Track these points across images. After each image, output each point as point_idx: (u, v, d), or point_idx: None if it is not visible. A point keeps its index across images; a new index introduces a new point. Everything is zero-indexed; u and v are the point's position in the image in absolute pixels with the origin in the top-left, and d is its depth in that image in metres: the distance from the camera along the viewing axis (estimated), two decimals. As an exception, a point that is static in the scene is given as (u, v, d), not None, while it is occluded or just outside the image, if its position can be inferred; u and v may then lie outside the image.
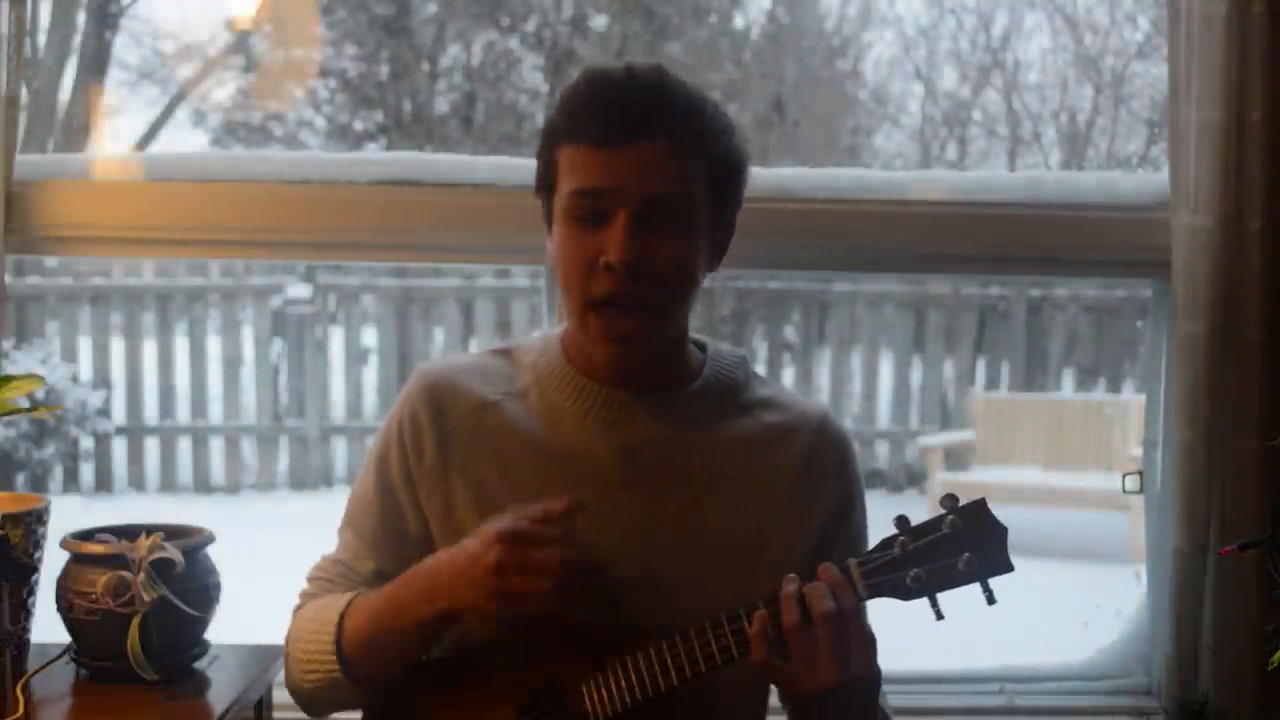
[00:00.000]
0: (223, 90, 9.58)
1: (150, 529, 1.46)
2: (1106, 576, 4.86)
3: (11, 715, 1.37)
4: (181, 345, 7.06)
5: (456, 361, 1.46)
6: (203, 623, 1.49)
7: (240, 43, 8.84)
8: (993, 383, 7.50)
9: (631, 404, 1.38)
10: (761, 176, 1.90)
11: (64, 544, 1.47)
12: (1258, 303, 1.76)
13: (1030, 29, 9.70)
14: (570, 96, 1.33)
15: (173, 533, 1.49)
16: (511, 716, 1.31)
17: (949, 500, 1.22)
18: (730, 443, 1.39)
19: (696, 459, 1.38)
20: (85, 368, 6.96)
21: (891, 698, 1.93)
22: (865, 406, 7.38)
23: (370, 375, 7.35)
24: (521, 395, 1.41)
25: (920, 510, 1.25)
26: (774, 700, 1.38)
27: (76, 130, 8.05)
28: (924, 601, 1.22)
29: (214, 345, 7.11)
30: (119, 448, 7.00)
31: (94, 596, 1.42)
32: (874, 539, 1.27)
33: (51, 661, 1.48)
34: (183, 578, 1.44)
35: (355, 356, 7.25)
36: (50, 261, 6.74)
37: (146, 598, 1.41)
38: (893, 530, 1.24)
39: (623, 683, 1.27)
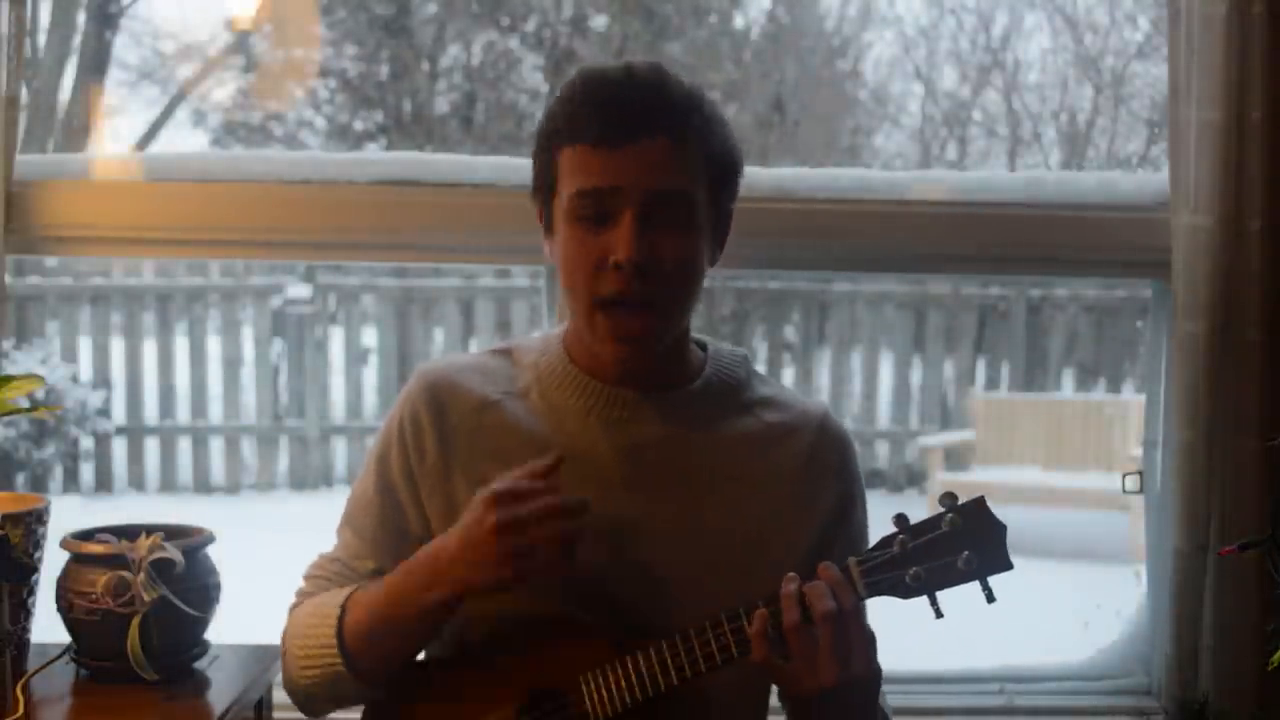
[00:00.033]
0: (223, 90, 9.60)
1: (150, 529, 1.46)
2: (1106, 576, 4.87)
3: (11, 715, 1.37)
4: (181, 345, 7.06)
5: (457, 361, 1.46)
6: (203, 623, 1.49)
7: (240, 43, 8.85)
8: (993, 383, 7.51)
9: (634, 403, 1.38)
10: (761, 176, 1.90)
11: (64, 544, 1.47)
12: (1258, 303, 1.76)
13: (1030, 29, 9.71)
14: (568, 97, 1.33)
15: (173, 533, 1.49)
16: (511, 716, 1.31)
17: (948, 499, 1.22)
18: (731, 442, 1.39)
19: (698, 458, 1.38)
20: (85, 368, 6.96)
21: (891, 698, 1.93)
22: (865, 406, 7.38)
23: (370, 375, 7.35)
24: (522, 394, 1.41)
25: (920, 510, 1.25)
26: (774, 700, 1.38)
27: (76, 130, 8.05)
28: (924, 600, 1.22)
29: (214, 345, 7.11)
30: (119, 448, 7.00)
31: (94, 596, 1.42)
32: (874, 538, 1.27)
33: (51, 661, 1.48)
34: (183, 578, 1.44)
35: (355, 356, 7.26)
36: (50, 261, 6.75)
37: (146, 598, 1.41)
38: (892, 529, 1.24)
39: (623, 682, 1.27)
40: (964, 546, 1.21)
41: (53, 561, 1.49)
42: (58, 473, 6.79)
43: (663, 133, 1.29)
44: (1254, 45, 1.74)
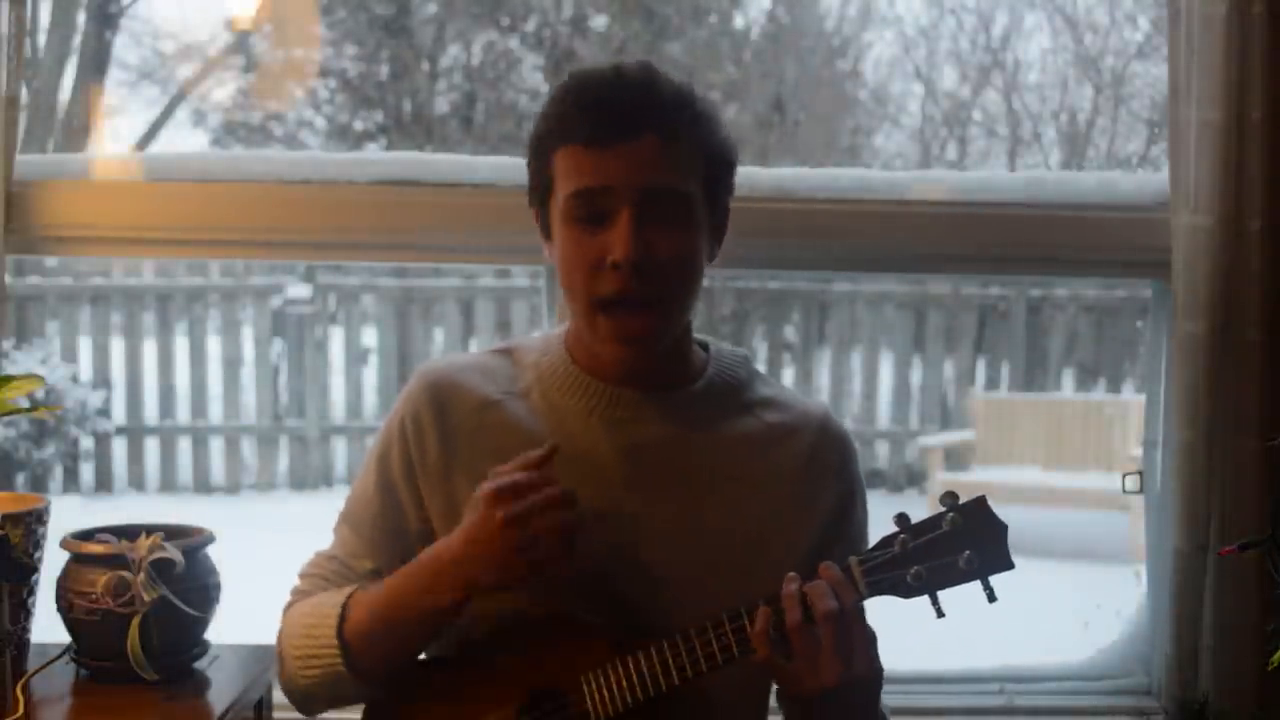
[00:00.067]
0: (223, 90, 9.60)
1: (150, 529, 1.46)
2: (1106, 576, 4.87)
3: (11, 715, 1.37)
4: (181, 345, 7.07)
5: (458, 361, 1.46)
6: (203, 623, 1.49)
7: (240, 43, 8.85)
8: (993, 383, 7.51)
9: (636, 403, 1.38)
10: (761, 176, 1.90)
11: (64, 544, 1.46)
12: (1258, 303, 1.76)
13: (1030, 29, 9.71)
14: (559, 100, 1.34)
15: (173, 533, 1.49)
16: (512, 716, 1.31)
17: (949, 498, 1.22)
18: (732, 442, 1.39)
19: (699, 458, 1.38)
20: (85, 368, 6.96)
21: (891, 698, 1.92)
22: (865, 406, 7.38)
23: (370, 375, 7.35)
24: (524, 394, 1.41)
25: (920, 510, 1.25)
26: (773, 700, 1.38)
27: (76, 130, 8.05)
28: (924, 600, 1.22)
29: (214, 345, 7.11)
30: (119, 448, 7.00)
31: (94, 596, 1.42)
32: (874, 538, 1.27)
33: (51, 661, 1.48)
34: (183, 578, 1.44)
35: (355, 356, 7.26)
36: (50, 261, 6.75)
37: (146, 598, 1.41)
38: (893, 529, 1.24)
39: (624, 682, 1.27)
40: (965, 546, 1.21)
41: (53, 561, 1.49)
42: (58, 473, 6.79)
43: (654, 130, 1.29)
44: (1254, 45, 1.74)
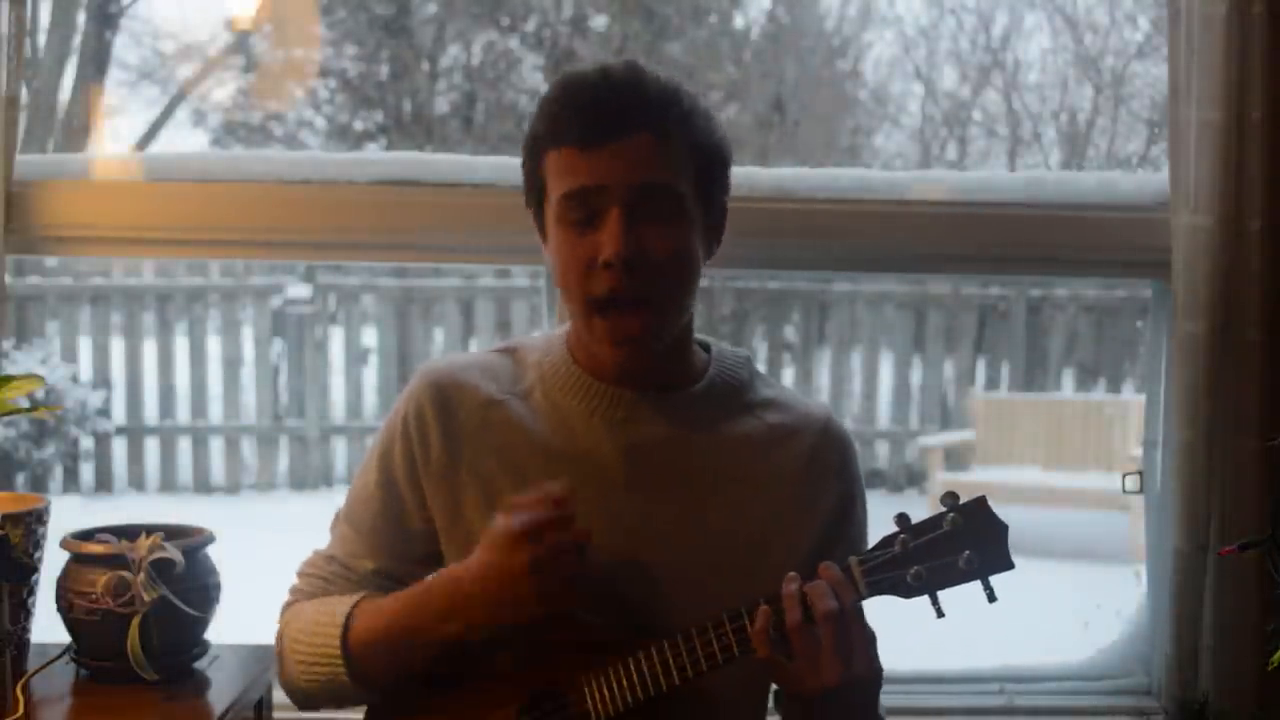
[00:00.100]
0: (223, 90, 9.60)
1: (150, 529, 1.46)
2: (1106, 576, 4.87)
3: (11, 715, 1.37)
4: (181, 345, 7.07)
5: (461, 360, 1.46)
6: (203, 623, 1.49)
7: (240, 43, 8.85)
8: (993, 383, 7.51)
9: (637, 403, 1.38)
10: (761, 176, 1.90)
11: (64, 544, 1.46)
12: (1258, 303, 1.76)
13: (1030, 29, 9.70)
14: (549, 102, 1.34)
15: (173, 533, 1.49)
16: (512, 716, 1.31)
17: (949, 498, 1.22)
18: (734, 443, 1.39)
19: (700, 459, 1.38)
20: (85, 368, 6.96)
21: (891, 698, 1.92)
22: (865, 406, 7.38)
23: (370, 375, 7.35)
24: (526, 394, 1.41)
25: (920, 510, 1.25)
26: (771, 700, 1.38)
27: (76, 130, 8.05)
28: (924, 600, 1.22)
29: (214, 345, 7.11)
30: (119, 448, 7.00)
31: (94, 596, 1.42)
32: (874, 539, 1.27)
33: (51, 661, 1.48)
34: (183, 578, 1.44)
35: (355, 356, 7.26)
36: (50, 261, 6.75)
37: (146, 598, 1.40)
38: (893, 529, 1.24)
39: (624, 682, 1.27)
40: (965, 546, 1.21)
41: (53, 561, 1.49)
42: (58, 473, 6.79)
43: (643, 128, 1.30)
44: (1254, 45, 1.74)
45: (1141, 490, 1.99)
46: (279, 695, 1.57)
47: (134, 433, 7.01)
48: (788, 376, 7.50)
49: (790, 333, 7.91)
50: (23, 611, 1.47)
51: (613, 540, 1.34)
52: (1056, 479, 6.46)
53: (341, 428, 7.20)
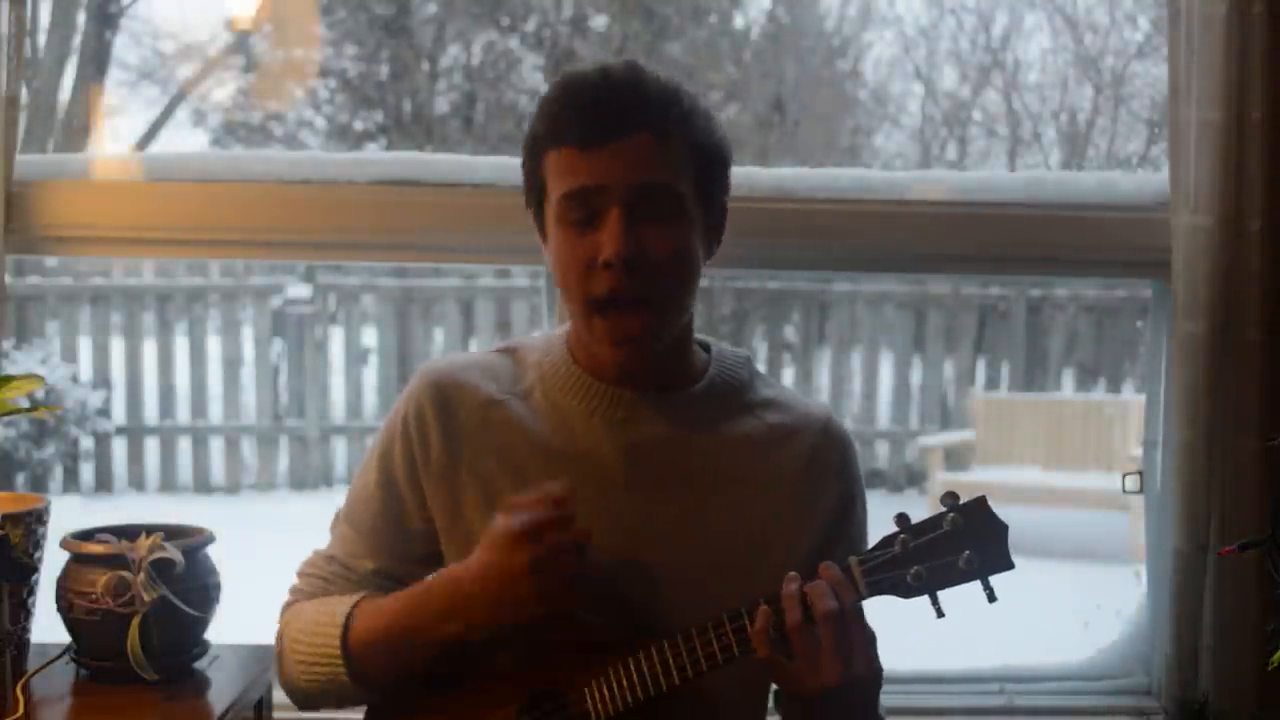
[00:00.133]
0: (223, 90, 9.60)
1: (150, 529, 1.46)
2: (1106, 576, 4.87)
3: (11, 715, 1.37)
4: (181, 345, 7.07)
5: (461, 360, 1.46)
6: (203, 623, 1.49)
7: (240, 43, 8.85)
8: (993, 383, 7.51)
9: (637, 403, 1.38)
10: (761, 176, 1.90)
11: (64, 544, 1.46)
12: (1258, 303, 1.76)
13: (1030, 29, 9.70)
14: (548, 102, 1.34)
15: (173, 533, 1.49)
16: (512, 716, 1.31)
17: (949, 498, 1.22)
18: (734, 443, 1.39)
19: (700, 459, 1.38)
20: (85, 368, 6.96)
21: (891, 698, 1.92)
22: (865, 406, 7.38)
23: (370, 375, 7.35)
24: (526, 394, 1.41)
25: (920, 510, 1.25)
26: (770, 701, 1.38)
27: (76, 130, 8.05)
28: (924, 600, 1.22)
29: (214, 345, 7.11)
30: (119, 448, 7.00)
31: (94, 596, 1.42)
32: (874, 539, 1.27)
33: (51, 661, 1.48)
34: (183, 578, 1.44)
35: (355, 356, 7.26)
36: (50, 261, 6.75)
37: (146, 598, 1.40)
38: (893, 529, 1.24)
39: (624, 682, 1.27)
40: (965, 546, 1.21)
41: (53, 561, 1.49)
42: (58, 473, 6.79)
43: (642, 128, 1.30)
44: (1254, 45, 1.74)
45: (1141, 490, 1.99)
46: (279, 695, 1.57)
47: (134, 433, 7.01)
48: (788, 376, 7.50)
49: (790, 333, 7.91)
50: (23, 611, 1.47)
51: (613, 540, 1.34)
52: (1056, 479, 6.46)
53: (341, 428, 7.20)
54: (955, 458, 6.88)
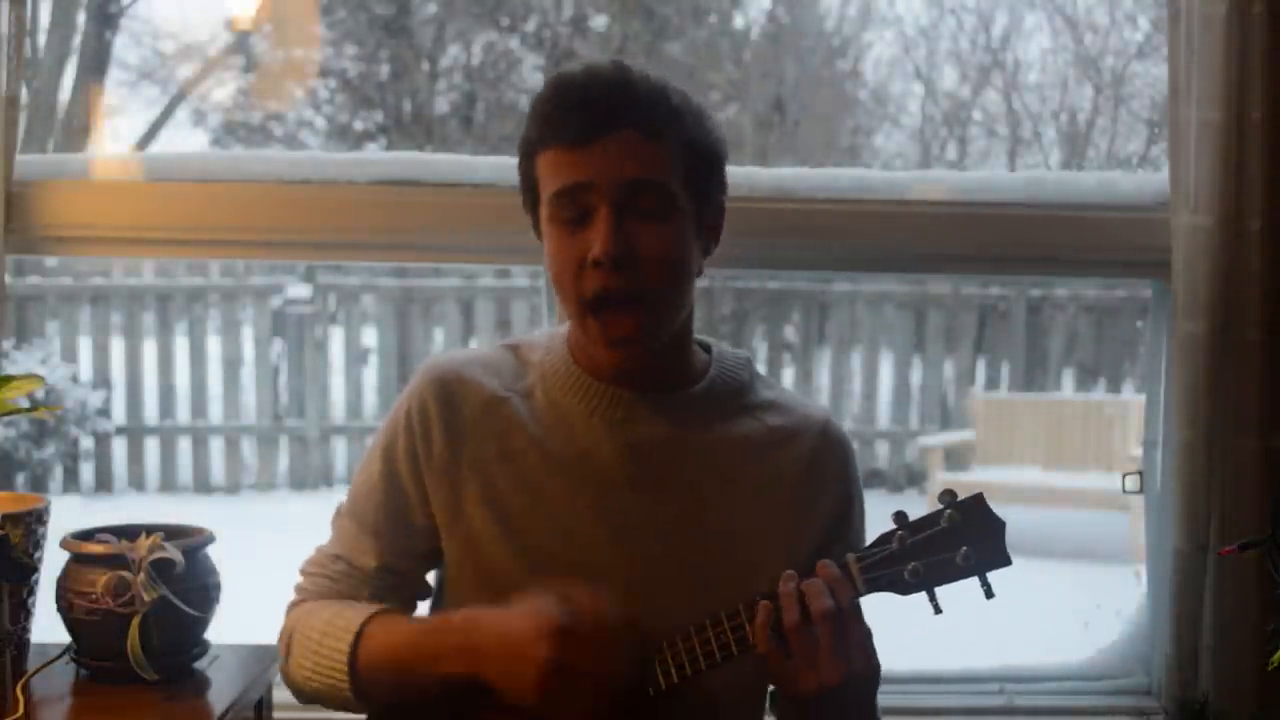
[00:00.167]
0: (223, 90, 9.60)
1: (150, 529, 1.46)
2: (1106, 576, 4.87)
3: (11, 715, 1.37)
4: (181, 345, 7.07)
5: (465, 356, 1.46)
6: (203, 623, 1.49)
7: (240, 43, 8.85)
8: (993, 383, 7.51)
9: (636, 403, 1.38)
10: (761, 176, 1.90)
11: (64, 544, 1.46)
12: (1258, 303, 1.76)
13: (1030, 29, 9.71)
14: (539, 103, 1.35)
15: (173, 533, 1.49)
16: (513, 716, 1.31)
17: (947, 495, 1.22)
18: (733, 445, 1.39)
19: (700, 460, 1.38)
20: (85, 368, 6.96)
21: (891, 698, 1.93)
22: (865, 406, 7.38)
23: (370, 375, 7.35)
24: (527, 392, 1.41)
25: (920, 511, 1.25)
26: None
27: (76, 130, 8.05)
28: (923, 598, 1.22)
29: (214, 345, 7.11)
30: (119, 448, 7.00)
31: (94, 596, 1.42)
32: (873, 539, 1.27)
33: (51, 661, 1.48)
34: (183, 578, 1.44)
35: (355, 356, 7.26)
36: (50, 261, 6.75)
37: (146, 598, 1.40)
38: (892, 527, 1.24)
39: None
40: (962, 542, 1.21)
41: (53, 561, 1.49)
42: (58, 473, 6.79)
43: (631, 125, 1.30)
44: (1254, 45, 1.74)
45: (1141, 490, 1.99)
46: (279, 695, 1.57)
47: (134, 433, 7.01)
48: (788, 377, 7.50)
49: (790, 333, 7.91)
50: (23, 611, 1.47)
51: (611, 540, 1.34)
52: (1056, 479, 6.46)
53: (341, 428, 7.20)
54: (955, 458, 6.88)
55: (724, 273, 5.74)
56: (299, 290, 7.36)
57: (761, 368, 1.49)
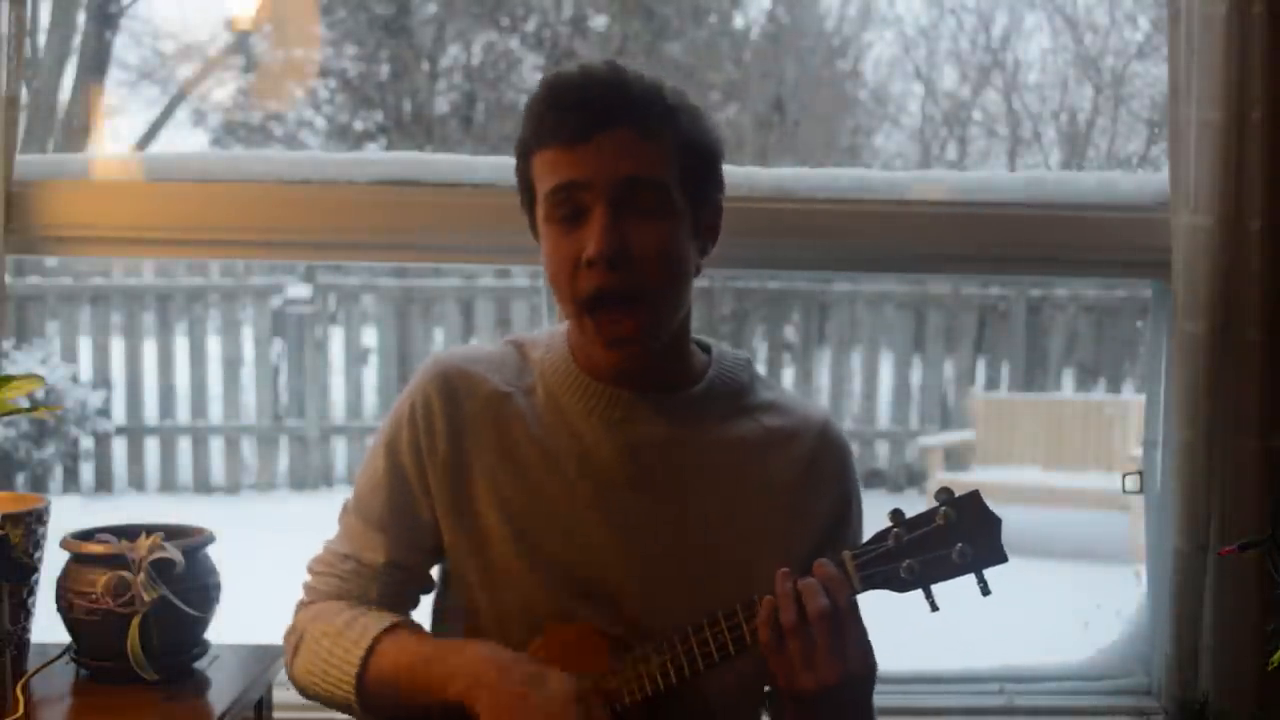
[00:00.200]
0: (223, 90, 9.60)
1: (150, 529, 1.46)
2: (1106, 576, 4.87)
3: (11, 715, 1.37)
4: (181, 345, 7.07)
5: (469, 352, 1.46)
6: (203, 623, 1.49)
7: (240, 43, 8.85)
8: (993, 383, 7.51)
9: (635, 403, 1.38)
10: (761, 176, 1.90)
11: (64, 544, 1.46)
12: (1258, 303, 1.76)
13: (1030, 29, 9.71)
14: (534, 103, 1.35)
15: (173, 533, 1.49)
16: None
17: (943, 493, 1.22)
18: (732, 445, 1.39)
19: (699, 460, 1.38)
20: (85, 368, 6.96)
21: (890, 698, 1.93)
22: (865, 406, 7.38)
23: (370, 375, 7.35)
24: (529, 390, 1.41)
25: (919, 511, 1.25)
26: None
27: (76, 130, 8.05)
28: (921, 596, 1.22)
29: (214, 345, 7.11)
30: (119, 448, 7.01)
31: (94, 596, 1.42)
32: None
33: (51, 661, 1.48)
34: (183, 578, 1.43)
35: (355, 356, 7.26)
36: (50, 261, 6.75)
37: (146, 598, 1.40)
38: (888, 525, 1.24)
39: (621, 682, 1.27)
40: (958, 539, 1.21)
41: (53, 561, 1.49)
42: (58, 473, 6.79)
43: (626, 124, 1.30)
44: (1254, 45, 1.74)
45: (1141, 490, 1.99)
46: (279, 695, 1.57)
47: (134, 433, 7.01)
48: (788, 377, 7.50)
49: (790, 333, 7.91)
50: (23, 611, 1.47)
51: (610, 539, 1.34)
52: (1056, 479, 6.46)
53: (341, 428, 7.20)
54: (955, 458, 6.88)
55: (724, 273, 5.74)
56: (299, 290, 7.36)
57: (761, 368, 1.49)
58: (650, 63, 8.09)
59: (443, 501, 1.39)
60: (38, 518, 1.47)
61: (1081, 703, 1.99)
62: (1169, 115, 1.81)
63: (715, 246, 1.41)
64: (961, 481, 6.15)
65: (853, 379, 7.41)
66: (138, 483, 7.02)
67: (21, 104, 1.82)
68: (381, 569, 1.41)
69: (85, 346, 7.03)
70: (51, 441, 6.60)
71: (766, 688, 1.39)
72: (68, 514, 1.71)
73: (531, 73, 9.44)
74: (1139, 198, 1.92)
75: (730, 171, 1.42)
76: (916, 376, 7.38)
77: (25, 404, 1.71)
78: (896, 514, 1.24)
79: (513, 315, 7.12)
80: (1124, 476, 2.01)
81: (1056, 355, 7.57)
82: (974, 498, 1.22)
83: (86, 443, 6.87)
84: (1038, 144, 9.27)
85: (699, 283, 1.40)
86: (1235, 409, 1.77)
